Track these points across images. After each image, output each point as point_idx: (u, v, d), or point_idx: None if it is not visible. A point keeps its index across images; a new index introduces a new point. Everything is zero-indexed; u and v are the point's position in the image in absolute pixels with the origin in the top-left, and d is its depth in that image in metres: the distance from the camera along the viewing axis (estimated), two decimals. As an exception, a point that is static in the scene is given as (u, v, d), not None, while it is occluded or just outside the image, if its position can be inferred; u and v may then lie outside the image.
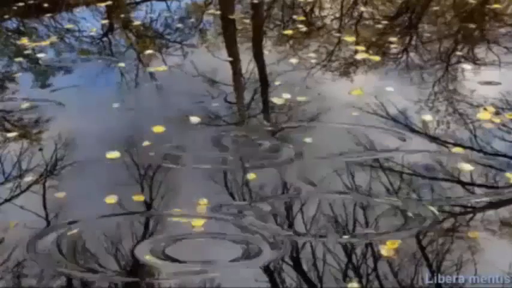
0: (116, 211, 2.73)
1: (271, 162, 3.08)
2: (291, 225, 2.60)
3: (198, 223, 2.61)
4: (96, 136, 3.39)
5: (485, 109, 3.55)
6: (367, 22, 5.46)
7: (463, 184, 2.88)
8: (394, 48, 4.66)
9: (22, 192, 2.94)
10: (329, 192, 2.80)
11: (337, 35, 5.09)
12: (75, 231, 2.59)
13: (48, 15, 5.84)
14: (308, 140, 3.28)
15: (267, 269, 2.37)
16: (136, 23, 5.65)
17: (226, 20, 5.59)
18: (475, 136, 3.29)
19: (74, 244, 2.52)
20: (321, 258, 2.40)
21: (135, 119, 3.60)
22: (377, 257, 2.40)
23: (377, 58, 4.44)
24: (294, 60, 4.46)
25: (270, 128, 3.46)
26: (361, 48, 4.61)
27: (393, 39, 4.81)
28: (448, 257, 2.40)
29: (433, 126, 3.43)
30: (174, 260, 2.43)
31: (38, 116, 3.72)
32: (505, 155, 3.11)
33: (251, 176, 2.96)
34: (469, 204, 2.73)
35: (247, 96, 3.96)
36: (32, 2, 6.10)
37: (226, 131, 3.44)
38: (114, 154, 3.17)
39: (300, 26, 5.24)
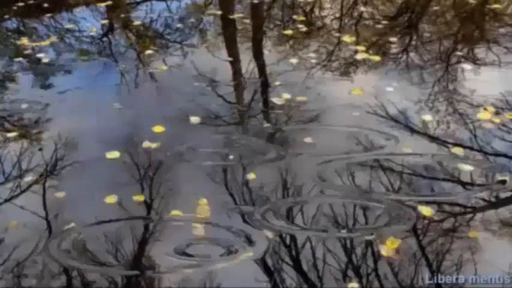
0: (115, 211, 2.73)
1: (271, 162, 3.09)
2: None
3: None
4: (96, 136, 3.39)
5: (485, 109, 3.55)
6: (367, 22, 5.47)
7: (463, 184, 2.88)
8: (394, 48, 4.66)
9: (22, 192, 2.94)
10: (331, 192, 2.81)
11: (337, 35, 5.09)
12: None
13: (48, 15, 5.85)
14: (308, 140, 3.28)
15: (267, 269, 2.37)
16: (137, 23, 5.65)
17: (226, 20, 5.59)
18: (475, 136, 3.29)
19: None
20: (321, 258, 2.40)
21: (135, 119, 3.60)
22: (377, 257, 2.40)
23: (377, 58, 4.44)
24: (294, 60, 4.47)
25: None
26: (361, 48, 4.61)
27: (393, 39, 4.82)
28: (448, 257, 2.40)
29: (433, 126, 3.43)
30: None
31: (38, 116, 3.72)
32: (505, 155, 3.11)
33: (251, 175, 2.96)
34: (469, 204, 2.73)
35: (247, 96, 3.96)
36: (32, 2, 6.10)
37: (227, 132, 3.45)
38: (114, 154, 3.17)
39: (300, 26, 5.24)
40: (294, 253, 2.44)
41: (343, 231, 2.53)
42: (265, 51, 4.82)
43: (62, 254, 2.43)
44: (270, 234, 2.51)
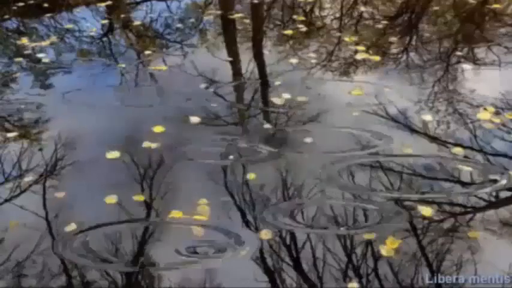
0: (115, 211, 2.73)
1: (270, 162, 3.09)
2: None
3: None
4: (96, 136, 3.39)
5: (485, 109, 3.55)
6: (367, 22, 5.47)
7: (463, 184, 2.88)
8: (394, 48, 4.66)
9: (22, 192, 2.94)
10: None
11: (337, 35, 5.09)
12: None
13: (48, 15, 5.85)
14: (308, 140, 3.28)
15: (266, 269, 2.37)
16: (137, 23, 5.65)
17: (226, 20, 5.59)
18: (475, 136, 3.29)
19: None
20: (321, 259, 2.40)
21: (135, 119, 3.60)
22: (377, 257, 2.40)
23: (377, 58, 4.44)
24: (294, 60, 4.47)
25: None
26: (361, 48, 4.61)
27: (393, 39, 4.82)
28: (448, 257, 2.40)
29: (433, 126, 3.43)
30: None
31: (38, 116, 3.72)
32: (505, 155, 3.11)
33: (251, 176, 2.96)
34: (469, 204, 2.73)
35: (247, 96, 3.96)
36: (32, 2, 6.10)
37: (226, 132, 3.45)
38: (114, 154, 3.16)
39: (300, 26, 5.24)
40: (294, 253, 2.45)
41: (342, 228, 2.53)
42: (265, 51, 4.81)
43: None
44: (269, 234, 2.51)
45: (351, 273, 2.34)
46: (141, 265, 2.37)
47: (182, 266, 2.37)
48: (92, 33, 5.38)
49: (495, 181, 2.82)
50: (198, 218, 2.62)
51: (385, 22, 5.38)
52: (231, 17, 5.57)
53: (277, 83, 4.07)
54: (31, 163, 3.17)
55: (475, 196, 2.77)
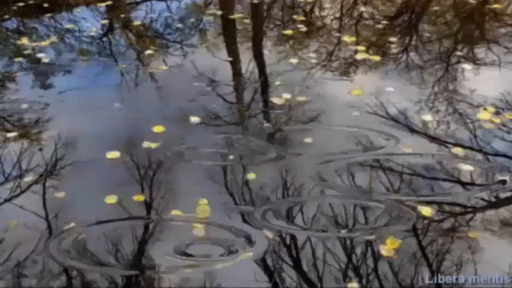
0: (116, 212, 2.73)
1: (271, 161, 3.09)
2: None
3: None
4: (96, 136, 3.39)
5: (485, 109, 3.55)
6: (367, 22, 5.47)
7: (463, 184, 2.88)
8: (394, 48, 4.66)
9: (22, 192, 2.94)
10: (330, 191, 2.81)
11: (337, 35, 5.09)
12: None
13: (48, 15, 5.85)
14: (308, 140, 3.28)
15: (267, 269, 2.37)
16: (136, 23, 5.65)
17: (226, 20, 5.59)
18: (475, 136, 3.29)
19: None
20: (321, 259, 2.40)
21: (135, 119, 3.60)
22: (377, 257, 2.40)
23: (377, 58, 4.44)
24: (294, 60, 4.47)
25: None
26: (361, 48, 4.61)
27: (393, 39, 4.82)
28: (448, 257, 2.40)
29: (433, 126, 3.43)
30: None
31: (38, 116, 3.72)
32: (505, 155, 3.11)
33: (251, 175, 2.96)
34: (469, 204, 2.73)
35: (247, 96, 3.96)
36: (32, 2, 6.10)
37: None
38: (114, 154, 3.16)
39: (300, 26, 5.24)
40: (294, 253, 2.44)
41: (343, 231, 2.53)
42: (265, 51, 4.82)
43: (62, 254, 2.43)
44: (269, 235, 2.51)
45: (351, 273, 2.34)
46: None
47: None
48: (92, 33, 5.38)
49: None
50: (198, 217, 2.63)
51: (385, 22, 5.38)
52: (231, 17, 5.57)
53: (277, 83, 4.07)
54: (31, 163, 3.17)
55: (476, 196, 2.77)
